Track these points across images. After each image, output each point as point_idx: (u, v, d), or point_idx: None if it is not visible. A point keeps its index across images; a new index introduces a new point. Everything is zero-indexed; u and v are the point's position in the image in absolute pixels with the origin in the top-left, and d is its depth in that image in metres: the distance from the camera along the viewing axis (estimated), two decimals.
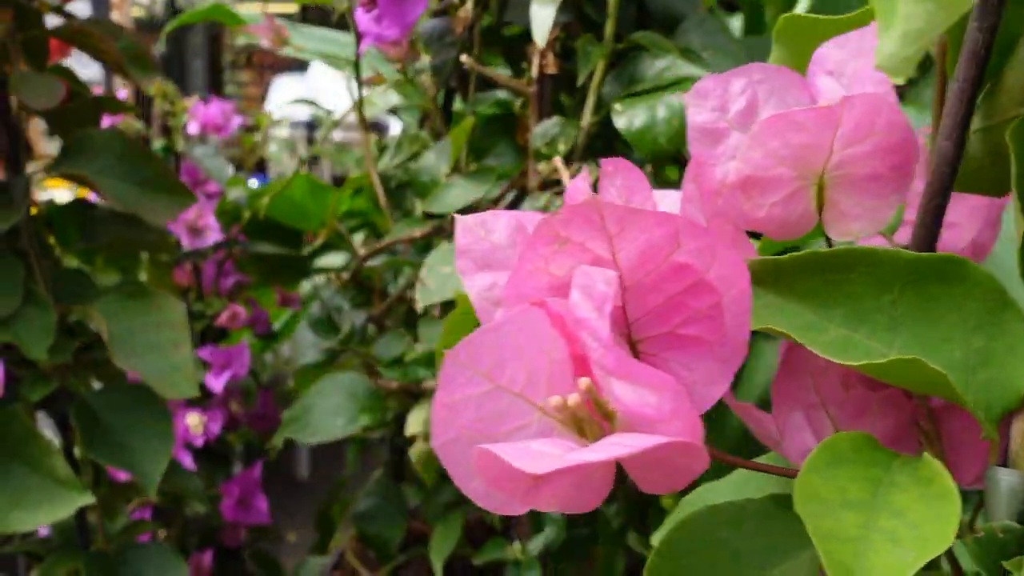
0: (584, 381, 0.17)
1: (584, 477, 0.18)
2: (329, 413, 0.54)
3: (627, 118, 0.46)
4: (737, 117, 0.23)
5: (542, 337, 0.18)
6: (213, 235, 0.81)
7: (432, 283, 0.47)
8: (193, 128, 1.07)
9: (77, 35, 0.50)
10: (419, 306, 0.48)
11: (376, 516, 0.65)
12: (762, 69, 0.23)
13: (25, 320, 0.48)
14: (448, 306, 0.51)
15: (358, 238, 1.10)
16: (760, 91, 0.23)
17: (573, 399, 0.17)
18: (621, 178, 0.21)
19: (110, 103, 0.55)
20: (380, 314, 0.61)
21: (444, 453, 0.18)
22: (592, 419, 0.18)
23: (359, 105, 0.56)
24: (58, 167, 0.51)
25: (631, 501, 0.54)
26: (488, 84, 0.55)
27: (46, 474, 0.50)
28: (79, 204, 0.56)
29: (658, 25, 0.51)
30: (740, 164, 0.22)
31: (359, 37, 0.54)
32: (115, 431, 0.52)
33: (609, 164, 0.22)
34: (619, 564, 0.52)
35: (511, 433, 0.18)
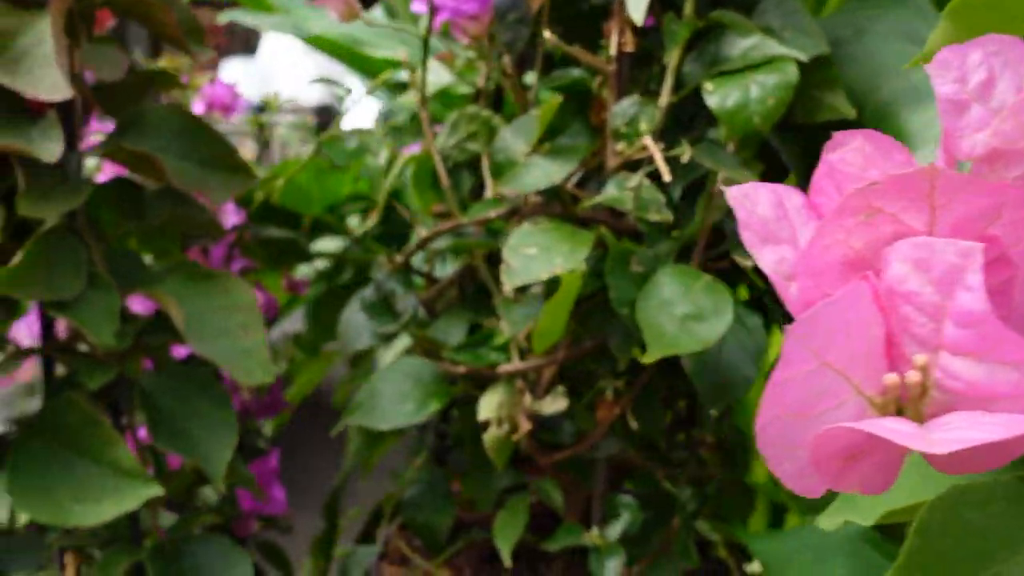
0: (920, 358, 0.17)
1: (897, 458, 0.17)
2: (396, 399, 0.52)
3: (719, 97, 0.46)
4: (976, 89, 0.22)
5: (866, 314, 0.17)
6: (231, 218, 0.79)
7: (516, 264, 0.46)
8: (199, 108, 1.04)
9: (135, 5, 0.47)
10: (506, 289, 0.46)
11: (422, 504, 0.64)
12: (997, 41, 0.23)
13: (88, 304, 0.46)
14: (522, 288, 0.50)
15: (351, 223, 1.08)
16: (995, 63, 0.23)
17: (913, 376, 0.17)
18: (871, 145, 0.21)
19: (161, 78, 0.53)
20: (431, 298, 0.59)
21: (765, 432, 0.17)
22: (914, 397, 0.17)
23: (422, 85, 0.54)
24: (113, 144, 0.48)
25: (704, 486, 0.54)
26: (551, 63, 0.54)
27: (108, 465, 0.48)
28: (126, 184, 0.53)
29: (733, 5, 0.50)
30: (990, 137, 0.22)
31: (433, 11, 0.52)
32: (175, 418, 0.50)
33: (851, 135, 0.21)
34: (693, 549, 0.51)
35: (825, 413, 0.17)
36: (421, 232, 0.58)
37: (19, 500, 0.47)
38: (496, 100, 0.62)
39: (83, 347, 0.53)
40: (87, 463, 0.48)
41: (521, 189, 0.48)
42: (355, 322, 0.60)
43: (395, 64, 1.10)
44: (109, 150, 0.48)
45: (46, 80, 0.42)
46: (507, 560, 0.53)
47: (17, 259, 0.41)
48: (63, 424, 0.49)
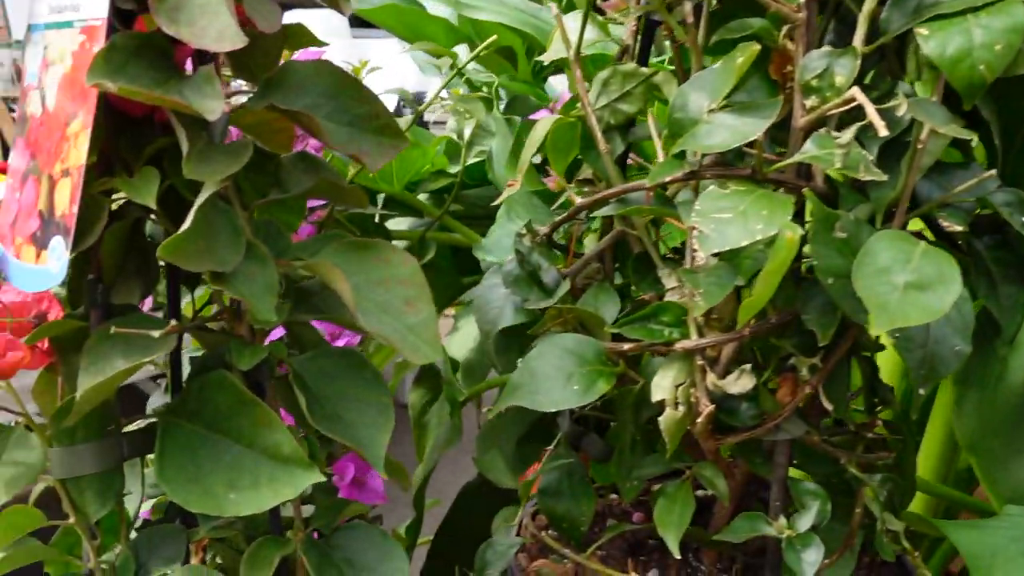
0: None
1: None
2: (560, 379, 0.48)
3: (938, 43, 0.41)
4: None
5: None
6: None
7: (710, 231, 0.42)
8: None
9: None
10: (701, 257, 0.42)
11: (561, 492, 0.60)
12: None
13: (247, 276, 0.42)
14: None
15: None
16: None
17: None
18: None
19: (298, 35, 0.49)
20: (575, 271, 0.56)
21: None
22: None
23: (579, 40, 0.50)
24: (262, 102, 0.44)
25: (894, 475, 0.50)
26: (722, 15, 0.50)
27: (263, 450, 0.44)
28: (259, 150, 0.49)
29: None
30: None
31: None
32: (327, 401, 0.46)
33: None
34: (887, 542, 0.47)
35: None
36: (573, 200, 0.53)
37: (172, 488, 0.43)
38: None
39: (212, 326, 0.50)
40: (239, 449, 0.45)
41: (709, 149, 0.44)
42: (494, 298, 0.56)
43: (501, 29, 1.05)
44: (258, 109, 0.44)
45: (214, 28, 0.38)
46: (676, 551, 0.49)
47: (187, 225, 0.37)
48: (212, 407, 0.45)
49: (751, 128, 0.43)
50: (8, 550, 0.43)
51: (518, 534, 0.62)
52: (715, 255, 0.42)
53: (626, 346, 0.49)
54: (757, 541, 0.54)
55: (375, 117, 0.47)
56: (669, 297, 0.49)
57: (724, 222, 0.42)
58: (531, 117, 0.66)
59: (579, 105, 0.52)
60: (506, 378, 1.02)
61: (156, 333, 0.41)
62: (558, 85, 1.27)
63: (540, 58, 0.72)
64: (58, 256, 0.39)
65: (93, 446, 0.45)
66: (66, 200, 0.39)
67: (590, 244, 0.62)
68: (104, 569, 0.46)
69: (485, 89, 1.09)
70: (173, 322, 0.43)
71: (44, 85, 0.42)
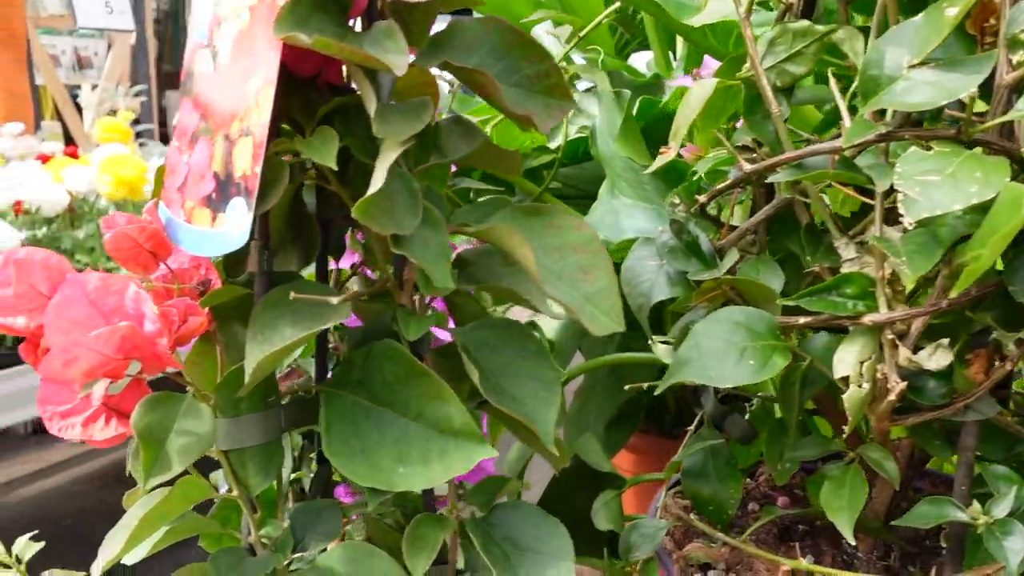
0: None
1: None
2: (732, 354, 0.46)
3: None
4: None
5: None
6: None
7: (916, 195, 0.39)
8: None
9: None
10: (907, 222, 0.40)
11: (706, 474, 0.58)
12: None
13: (422, 241, 0.40)
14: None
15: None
16: None
17: None
18: None
19: None
20: (731, 242, 0.53)
21: None
22: None
23: (749, 5, 0.47)
24: (430, 60, 0.43)
25: None
26: None
27: (433, 423, 0.42)
28: None
29: None
30: None
31: None
32: (491, 374, 0.44)
33: None
34: None
35: None
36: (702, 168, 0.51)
37: (340, 462, 0.42)
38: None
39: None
40: (405, 421, 0.43)
41: (909, 107, 0.41)
42: (643, 271, 0.54)
43: None
44: (423, 66, 0.42)
45: None
46: (851, 536, 0.47)
47: (379, 185, 0.36)
48: (377, 378, 0.43)
49: (958, 85, 0.40)
50: (174, 522, 0.42)
51: (658, 515, 0.59)
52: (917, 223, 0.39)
53: (802, 319, 0.46)
54: (909, 529, 0.51)
55: (545, 76, 0.44)
56: (846, 269, 0.47)
57: (931, 185, 0.39)
58: (671, 83, 0.64)
59: (745, 68, 0.50)
60: (602, 360, 1.00)
61: (335, 300, 0.40)
62: (640, 61, 1.24)
63: (692, 20, 0.69)
64: (239, 219, 0.37)
65: (256, 417, 0.44)
66: (247, 160, 0.37)
67: (737, 214, 0.59)
68: (264, 543, 0.45)
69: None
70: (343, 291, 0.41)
71: (215, 42, 0.41)
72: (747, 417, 0.62)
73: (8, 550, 0.63)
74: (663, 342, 0.67)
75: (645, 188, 0.92)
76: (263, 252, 0.43)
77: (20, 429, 2.75)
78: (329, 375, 0.50)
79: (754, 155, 0.52)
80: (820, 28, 0.49)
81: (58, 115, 4.18)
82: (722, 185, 0.52)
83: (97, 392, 0.38)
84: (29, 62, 3.36)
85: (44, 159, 2.44)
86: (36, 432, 2.82)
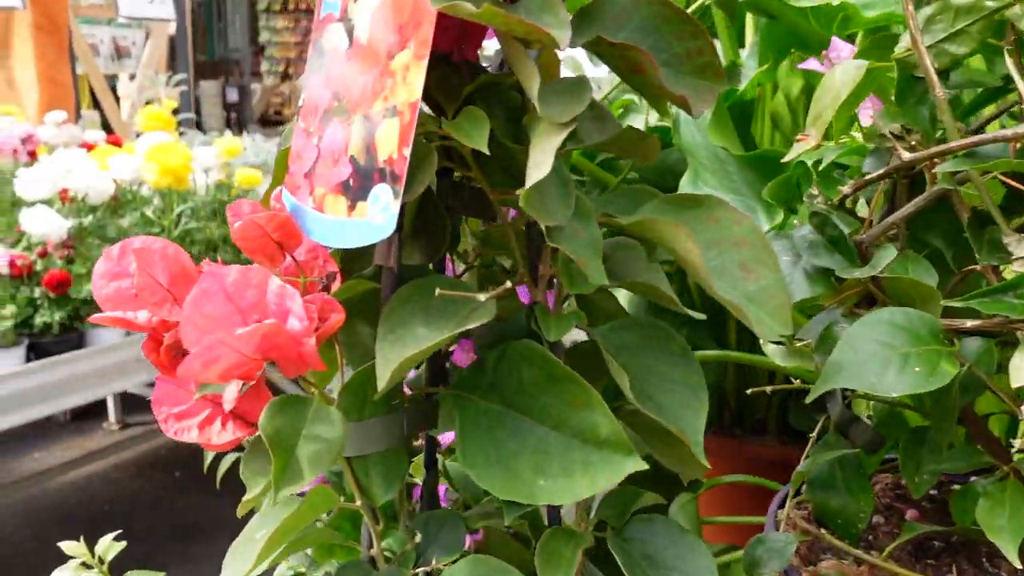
0: None
1: None
2: (893, 360, 0.42)
3: None
4: None
5: None
6: None
7: None
8: None
9: None
10: None
11: (834, 485, 0.54)
12: None
13: (572, 233, 0.37)
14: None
15: None
16: None
17: None
18: None
19: None
20: (873, 237, 0.49)
21: None
22: None
23: None
24: (581, 36, 0.39)
25: None
26: None
27: (576, 432, 0.39)
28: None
29: None
30: None
31: None
32: (635, 379, 0.41)
33: None
34: None
35: None
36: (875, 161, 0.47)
37: (477, 473, 0.39)
38: None
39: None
40: (543, 430, 0.40)
41: None
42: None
43: None
44: (581, 43, 0.39)
45: None
46: (1015, 559, 0.43)
47: (546, 171, 0.32)
48: (513, 382, 0.40)
49: None
50: (298, 533, 0.39)
51: (781, 528, 0.56)
52: None
53: (969, 323, 0.43)
54: None
55: (696, 55, 0.41)
56: (1018, 267, 0.43)
57: None
58: (802, 66, 0.60)
59: (900, 48, 0.46)
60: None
61: (482, 296, 0.36)
62: None
63: (800, 1, 0.65)
64: (384, 207, 0.34)
65: (381, 422, 0.41)
66: (393, 142, 0.34)
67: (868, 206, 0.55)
68: (386, 556, 0.42)
69: None
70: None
71: (351, 15, 0.37)
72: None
73: (90, 549, 0.61)
74: (775, 342, 0.63)
75: (732, 180, 0.88)
76: (389, 244, 0.40)
77: (60, 417, 2.77)
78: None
79: (903, 144, 0.48)
80: (990, 4, 0.44)
81: (95, 104, 4.20)
82: (871, 175, 0.48)
83: (229, 395, 0.35)
84: (70, 51, 3.38)
85: (88, 147, 2.44)
86: (75, 419, 2.84)
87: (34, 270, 1.92)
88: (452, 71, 0.39)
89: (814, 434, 0.56)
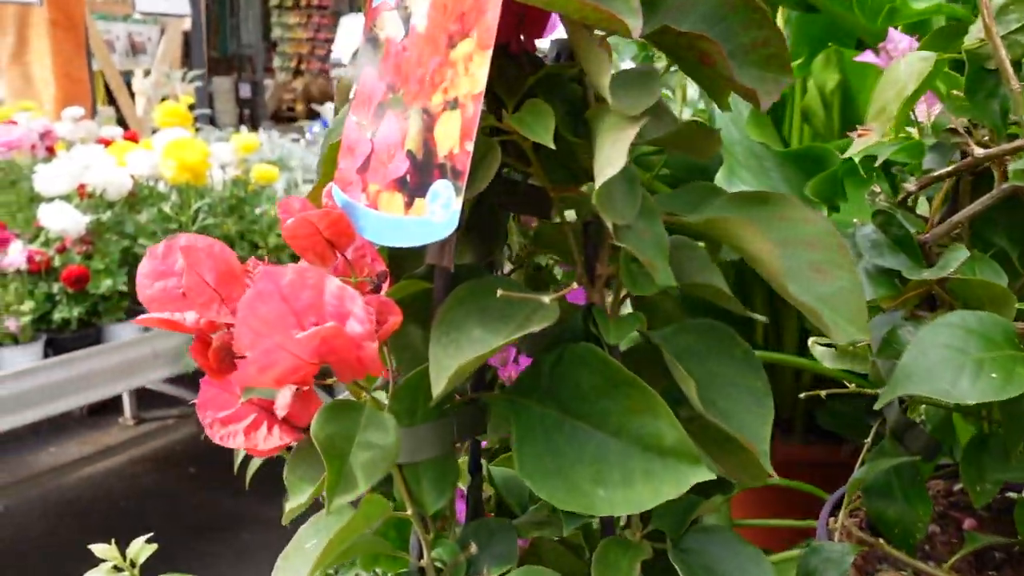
0: None
1: None
2: (967, 366, 0.40)
3: None
4: None
5: None
6: None
7: None
8: None
9: None
10: None
11: (891, 494, 0.52)
12: None
13: (637, 233, 0.35)
14: None
15: None
16: None
17: None
18: None
19: None
20: (937, 236, 0.47)
21: None
22: None
23: None
24: (647, 24, 0.37)
25: None
26: None
27: (637, 440, 0.37)
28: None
29: None
30: None
31: None
32: (698, 385, 0.39)
33: None
34: None
35: None
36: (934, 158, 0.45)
37: (535, 482, 0.37)
38: None
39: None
40: (602, 436, 0.38)
41: None
42: None
43: None
44: (648, 31, 0.37)
45: None
46: None
47: (619, 167, 0.31)
48: (570, 387, 0.39)
49: None
50: (349, 542, 0.38)
51: (836, 538, 0.54)
52: None
53: None
54: None
55: (763, 45, 0.39)
56: None
57: None
58: (859, 59, 0.58)
59: (971, 39, 0.44)
60: None
61: (547, 298, 0.35)
62: None
63: None
64: (445, 204, 0.33)
65: (432, 427, 0.39)
66: (454, 136, 0.32)
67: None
68: (436, 566, 0.41)
69: None
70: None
71: (408, 3, 0.36)
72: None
73: (127, 551, 0.60)
74: (826, 345, 0.61)
75: (770, 176, 0.86)
76: (444, 243, 0.38)
77: (75, 412, 2.77)
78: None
79: (972, 139, 0.46)
80: None
81: (109, 100, 4.20)
82: (938, 172, 0.46)
83: (282, 401, 0.34)
84: (86, 48, 3.37)
85: (105, 143, 2.43)
86: (91, 414, 2.84)
87: (52, 266, 1.92)
88: (511, 62, 0.37)
89: (868, 440, 0.55)
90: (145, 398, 2.78)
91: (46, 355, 1.92)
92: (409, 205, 0.34)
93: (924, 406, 0.58)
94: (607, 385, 0.38)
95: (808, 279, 0.37)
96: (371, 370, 0.32)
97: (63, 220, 1.91)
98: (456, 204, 0.32)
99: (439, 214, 0.33)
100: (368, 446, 0.35)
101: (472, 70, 0.32)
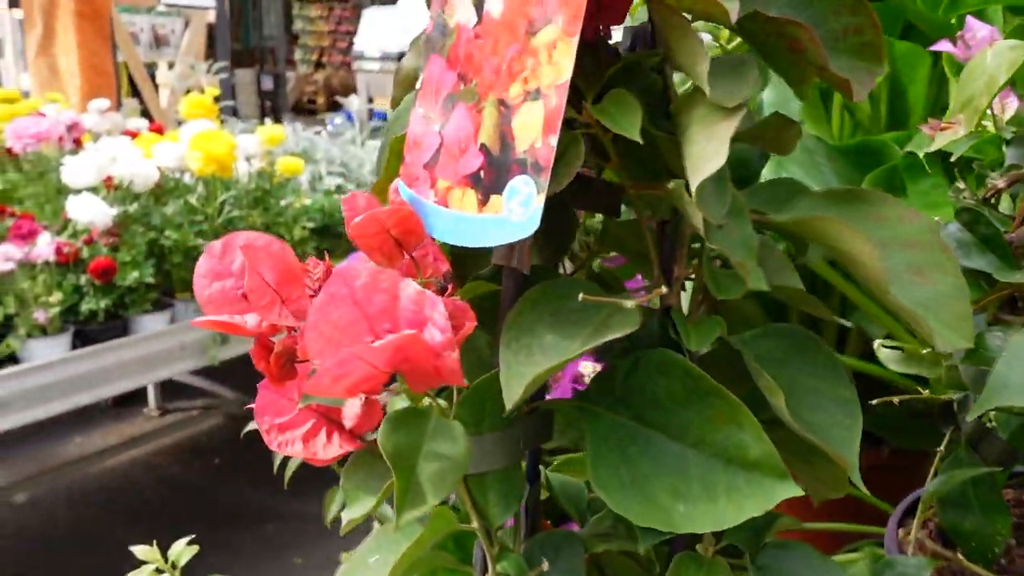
0: None
1: None
2: None
3: None
4: None
5: None
6: None
7: None
8: None
9: None
10: None
11: (967, 504, 0.50)
12: None
13: (727, 233, 0.33)
14: None
15: None
16: None
17: None
18: None
19: None
20: (1020, 239, 0.45)
21: None
22: None
23: None
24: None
25: None
26: None
27: (719, 452, 0.35)
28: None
29: None
30: None
31: None
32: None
33: None
34: None
35: None
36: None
37: (610, 495, 0.35)
38: None
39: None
40: (679, 447, 0.36)
41: None
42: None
43: None
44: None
45: None
46: None
47: (718, 163, 0.29)
48: (647, 395, 0.36)
49: None
50: (415, 558, 0.36)
51: (910, 551, 0.52)
52: None
53: None
54: None
55: (856, 33, 0.37)
56: None
57: None
58: (935, 48, 0.55)
59: None
60: None
61: (629, 302, 0.32)
62: None
63: None
64: (524, 201, 0.30)
65: (498, 437, 0.37)
66: (535, 129, 0.30)
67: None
68: None
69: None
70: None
71: None
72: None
73: (168, 553, 0.58)
74: (893, 347, 0.59)
75: (821, 171, 0.83)
76: (520, 243, 0.36)
77: (100, 402, 2.78)
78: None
79: None
80: None
81: (133, 92, 4.21)
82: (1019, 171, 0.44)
83: (352, 411, 0.32)
84: (112, 39, 3.38)
85: (131, 135, 2.43)
86: (116, 405, 2.85)
87: (80, 257, 1.92)
88: (587, 50, 0.35)
89: (941, 448, 0.52)
90: (169, 389, 2.78)
91: (74, 346, 1.92)
92: (483, 203, 0.32)
93: (994, 412, 0.56)
94: (688, 394, 0.36)
95: (906, 282, 0.34)
96: (449, 380, 0.30)
97: (91, 212, 1.91)
98: (537, 202, 0.30)
99: (518, 212, 0.31)
100: (436, 457, 0.33)
101: (556, 58, 0.30)
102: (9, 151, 2.16)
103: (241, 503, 2.15)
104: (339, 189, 2.74)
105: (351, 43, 7.79)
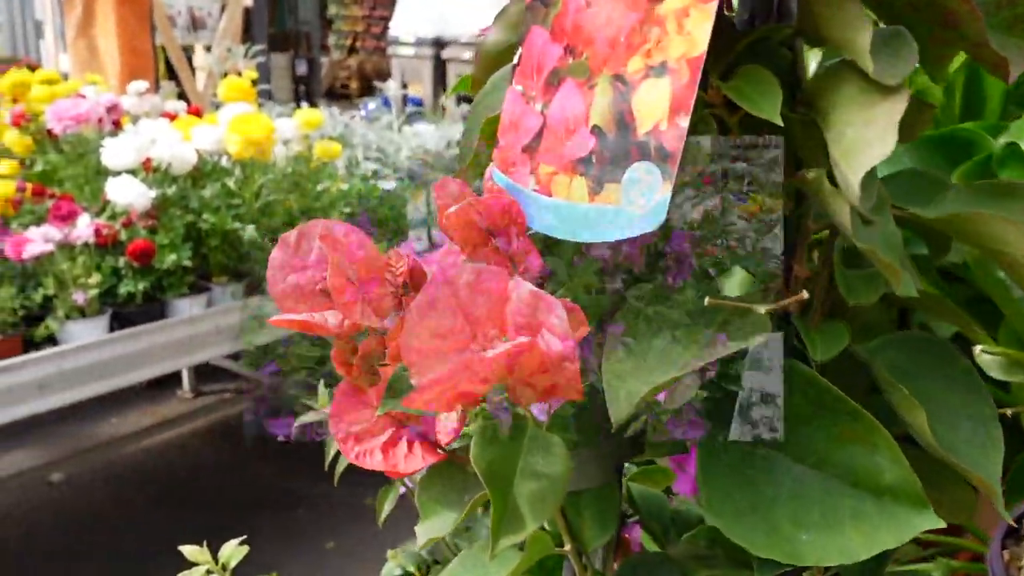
0: None
1: None
2: None
3: None
4: None
5: None
6: None
7: None
8: None
9: None
10: None
11: None
12: None
13: (872, 230, 0.29)
14: None
15: None
16: None
17: None
18: None
19: None
20: None
21: None
22: None
23: None
24: None
25: None
26: None
27: (845, 475, 0.31)
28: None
29: None
30: None
31: None
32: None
33: None
34: None
35: None
36: None
37: (726, 524, 0.31)
38: None
39: None
40: (801, 469, 0.32)
41: None
42: None
43: None
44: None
45: None
46: None
47: (887, 150, 0.25)
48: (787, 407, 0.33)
49: None
50: None
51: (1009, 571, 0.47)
52: None
53: None
54: None
55: (1008, 4, 0.32)
56: None
57: None
58: None
59: None
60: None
61: (762, 308, 0.29)
62: None
63: None
64: (646, 192, 0.27)
65: (595, 454, 0.34)
66: (661, 109, 0.27)
67: None
68: None
69: None
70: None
71: None
72: None
73: (218, 554, 0.56)
74: (995, 353, 0.54)
75: (902, 161, 0.78)
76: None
77: (135, 384, 2.79)
78: None
79: None
80: None
81: (170, 74, 4.21)
82: None
83: (448, 426, 0.29)
84: (150, 22, 3.37)
85: (170, 117, 2.42)
86: (150, 387, 2.86)
87: (118, 239, 1.91)
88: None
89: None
90: (203, 372, 2.78)
91: (111, 329, 1.91)
92: (595, 192, 0.28)
93: None
94: (812, 408, 0.32)
95: None
96: (566, 394, 0.27)
97: (130, 194, 1.90)
98: (663, 192, 0.26)
99: (639, 204, 0.27)
100: (534, 475, 0.30)
101: (689, 28, 0.26)
102: (50, 132, 2.16)
103: (273, 486, 2.14)
104: (375, 174, 2.72)
105: (385, 28, 7.76)
